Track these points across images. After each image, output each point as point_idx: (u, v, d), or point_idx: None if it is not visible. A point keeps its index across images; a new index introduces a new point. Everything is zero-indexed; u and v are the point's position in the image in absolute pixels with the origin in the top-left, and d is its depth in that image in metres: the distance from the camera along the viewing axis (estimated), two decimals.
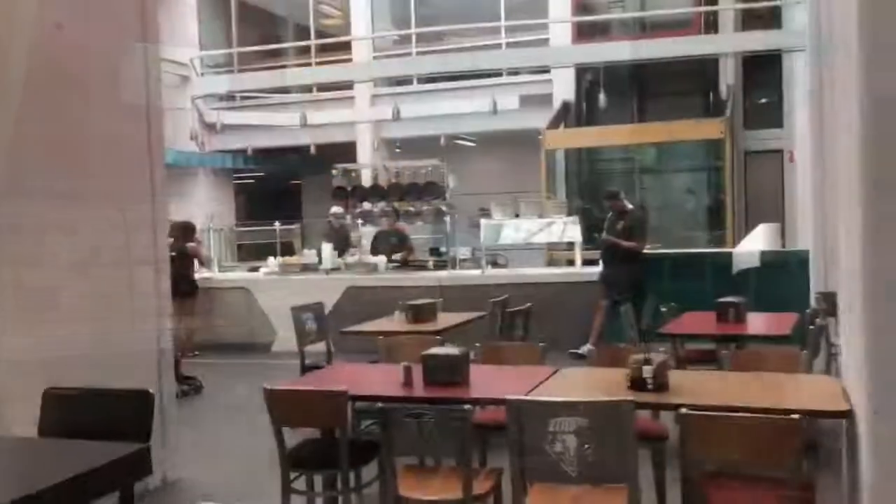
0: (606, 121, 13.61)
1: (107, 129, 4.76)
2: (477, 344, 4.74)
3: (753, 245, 9.01)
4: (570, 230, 9.77)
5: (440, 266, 11.34)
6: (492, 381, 4.07)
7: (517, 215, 10.01)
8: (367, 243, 11.50)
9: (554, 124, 13.65)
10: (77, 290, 4.45)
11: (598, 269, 9.35)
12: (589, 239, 10.40)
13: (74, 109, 4.35)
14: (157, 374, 4.91)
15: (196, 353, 10.20)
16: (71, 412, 2.30)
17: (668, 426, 4.24)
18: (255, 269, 11.51)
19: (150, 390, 2.38)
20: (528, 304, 5.89)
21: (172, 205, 16.20)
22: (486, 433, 4.15)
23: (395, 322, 6.30)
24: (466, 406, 3.25)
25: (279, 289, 10.41)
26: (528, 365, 4.39)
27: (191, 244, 10.40)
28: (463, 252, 12.81)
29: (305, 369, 6.30)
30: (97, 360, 4.13)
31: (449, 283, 9.67)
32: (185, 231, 10.52)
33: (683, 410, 2.91)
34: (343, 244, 11.38)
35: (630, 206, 9.03)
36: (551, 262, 12.89)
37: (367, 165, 12.69)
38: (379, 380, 4.37)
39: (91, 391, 2.37)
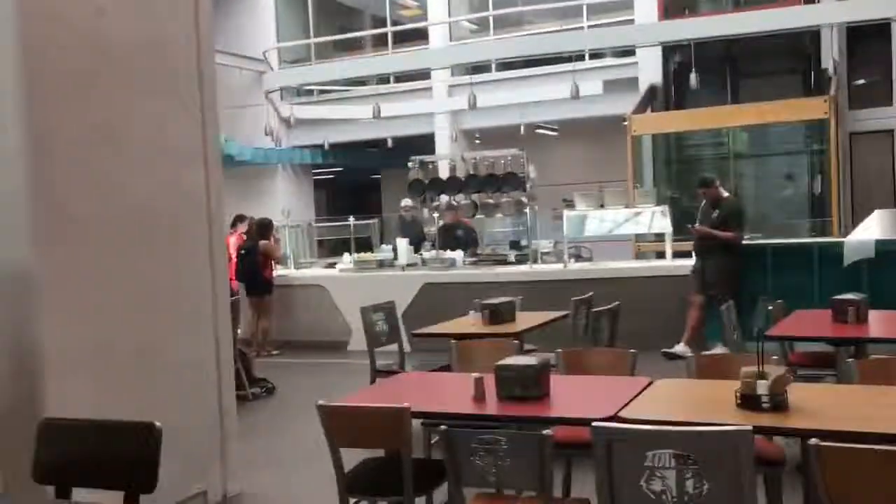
0: (697, 104, 12.82)
1: (154, 123, 4.38)
2: (558, 350, 4.23)
3: (867, 233, 8.18)
4: (659, 220, 9.12)
5: (520, 260, 10.84)
6: (575, 396, 3.57)
7: (602, 205, 9.40)
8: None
9: (640, 109, 12.93)
10: (122, 292, 4.08)
11: (691, 261, 8.68)
12: (679, 229, 9.71)
13: (119, 101, 4.01)
14: (217, 384, 4.51)
15: (273, 352, 10.00)
16: (69, 445, 1.95)
17: (784, 448, 3.66)
18: (332, 266, 11.25)
19: (157, 424, 1.99)
20: (616, 304, 5.35)
21: (252, 202, 16.31)
22: (571, 452, 3.65)
23: (470, 322, 5.85)
24: (546, 431, 2.76)
25: (354, 286, 10.10)
26: (616, 375, 3.86)
27: (263, 241, 10.19)
28: (545, 245, 12.27)
29: (377, 373, 5.90)
30: (146, 370, 3.81)
31: (529, 279, 9.16)
32: (260, 228, 10.32)
33: (815, 441, 2.35)
34: (418, 238, 11.01)
35: (726, 194, 8.33)
36: (639, 255, 12.23)
37: (445, 157, 12.24)
38: (449, 391, 3.92)
39: (92, 423, 2.00)
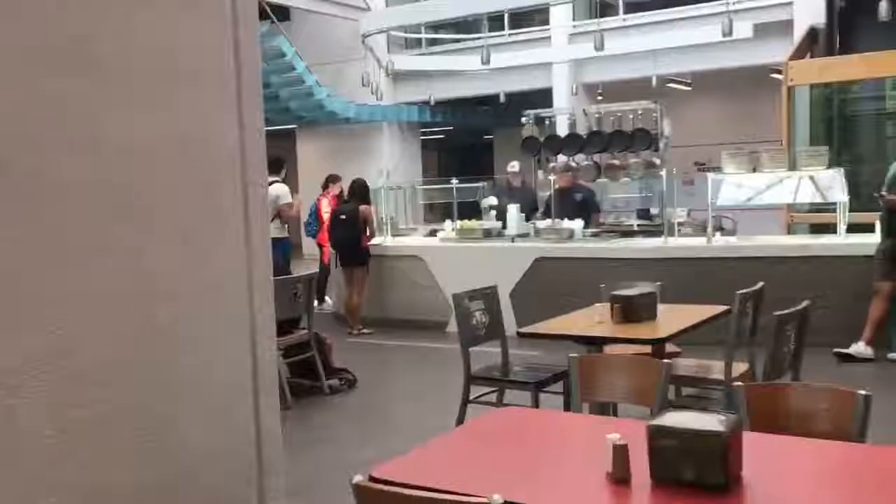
0: (870, 47, 10.71)
1: (159, 40, 2.86)
2: (737, 382, 2.77)
3: None
4: (831, 187, 7.35)
5: (651, 232, 9.26)
6: (794, 488, 2.12)
7: (754, 169, 7.68)
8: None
9: (797, 56, 10.95)
10: (105, 282, 2.63)
11: (874, 239, 6.92)
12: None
13: (105, 6, 2.66)
14: (253, 408, 3.07)
15: (365, 330, 8.87)
16: None
17: None
18: (435, 234, 9.99)
19: None
20: (805, 303, 3.81)
21: (356, 162, 15.24)
22: None
23: (595, 319, 4.42)
24: None
25: (456, 258, 8.80)
26: (839, 430, 2.38)
27: (364, 206, 9.02)
28: (679, 215, 10.61)
29: (467, 404, 4.60)
30: (145, 386, 2.60)
31: (664, 256, 7.60)
32: (362, 190, 9.15)
33: None
34: (529, 208, 9.58)
35: None
36: (792, 228, 10.38)
37: (563, 111, 10.71)
38: (569, 460, 2.52)
39: None
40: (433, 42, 15.74)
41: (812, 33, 11.40)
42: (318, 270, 9.65)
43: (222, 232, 2.92)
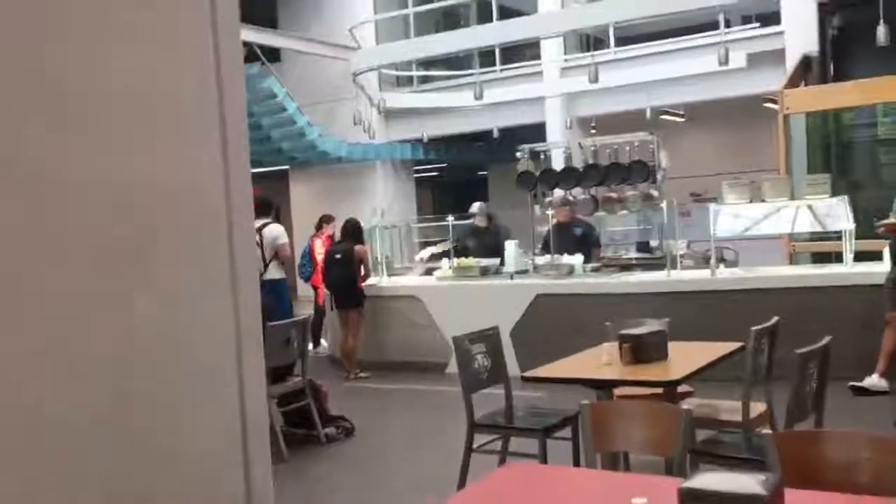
0: (865, 73, 10.65)
1: (131, 67, 2.65)
2: (764, 429, 2.56)
3: None
4: (835, 215, 7.19)
5: (652, 265, 9.08)
6: None
7: (753, 199, 7.52)
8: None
9: (791, 84, 10.88)
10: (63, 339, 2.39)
11: (881, 267, 6.75)
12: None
13: (65, 40, 2.47)
14: (243, 463, 2.78)
15: (362, 374, 8.63)
16: None
17: None
18: (432, 273, 9.79)
19: None
20: (826, 340, 3.61)
21: (349, 202, 15.08)
22: None
23: (603, 360, 4.20)
24: None
25: (454, 297, 8.60)
26: (884, 494, 2.17)
27: (359, 246, 8.83)
28: (679, 247, 10.45)
29: (470, 452, 4.37)
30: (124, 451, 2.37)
31: (668, 290, 7.41)
32: (356, 230, 8.95)
33: None
34: (494, 247, 9.39)
35: None
36: (794, 258, 10.21)
37: (558, 144, 10.59)
38: None
39: None
40: (425, 80, 15.69)
41: (805, 61, 11.36)
42: (311, 313, 9.42)
43: (207, 282, 2.68)
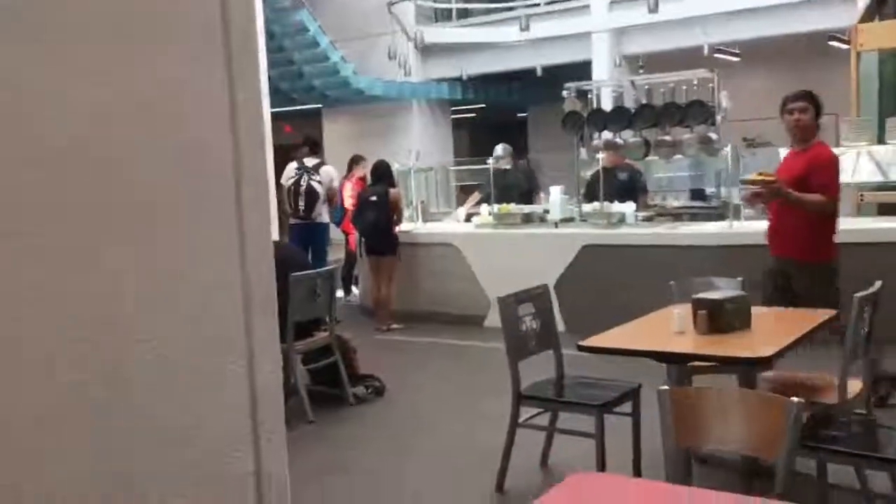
0: None
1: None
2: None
3: None
4: None
5: (707, 216, 8.41)
6: None
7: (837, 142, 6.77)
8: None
9: (866, 19, 9.94)
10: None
11: None
12: None
13: None
14: (252, 442, 2.23)
15: (394, 326, 8.14)
16: None
17: None
18: (469, 219, 9.21)
19: None
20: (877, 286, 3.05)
21: (384, 143, 14.47)
22: None
23: (674, 329, 3.61)
24: None
25: (494, 246, 8.02)
26: None
27: (393, 189, 8.27)
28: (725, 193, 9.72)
29: (521, 399, 3.81)
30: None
31: (729, 243, 6.75)
32: (386, 172, 8.39)
33: None
34: (526, 187, 8.81)
35: None
36: (862, 209, 9.44)
37: (608, 83, 9.84)
38: None
39: None
40: (464, 14, 14.88)
41: None
42: (339, 263, 8.96)
43: (209, 244, 2.08)
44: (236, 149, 2.10)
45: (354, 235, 9.81)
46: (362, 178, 10.25)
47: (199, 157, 2.00)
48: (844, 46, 13.50)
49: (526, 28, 9.29)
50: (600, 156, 8.04)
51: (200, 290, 1.99)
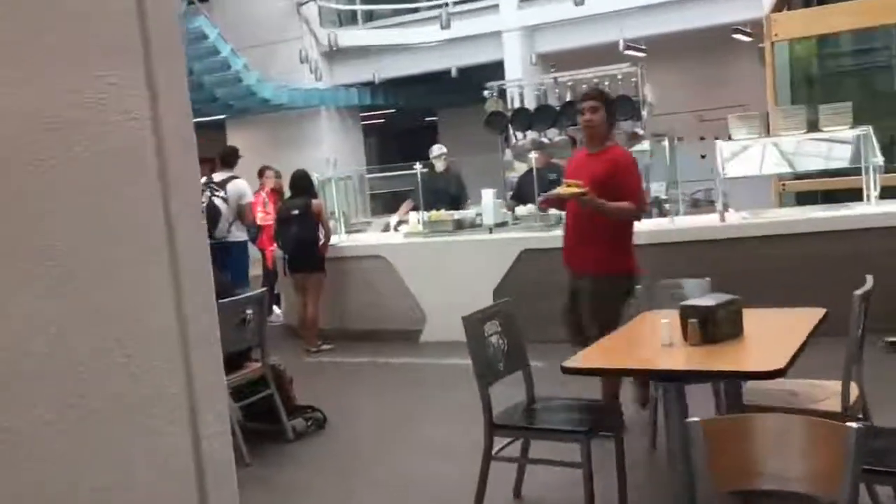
0: None
1: None
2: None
3: None
4: (857, 147, 6.38)
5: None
6: None
7: (762, 133, 6.65)
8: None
9: (776, 10, 10.00)
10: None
11: None
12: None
13: None
14: (197, 491, 1.67)
15: (324, 346, 7.62)
16: None
17: None
18: (396, 228, 8.75)
19: None
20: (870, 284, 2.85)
21: (292, 152, 13.85)
22: None
23: (652, 334, 3.27)
24: None
25: (426, 255, 7.60)
26: None
27: (316, 200, 7.73)
28: (655, 189, 9.61)
29: (494, 428, 3.41)
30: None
31: (673, 239, 6.53)
32: (303, 182, 7.84)
33: None
34: (451, 201, 8.36)
35: None
36: (784, 198, 9.48)
37: (530, 81, 9.55)
38: None
39: None
40: (370, 17, 14.42)
41: None
42: (266, 286, 8.35)
43: (130, 262, 1.61)
44: (158, 139, 1.67)
45: (272, 252, 9.24)
46: (274, 190, 9.69)
47: (122, 179, 1.57)
48: (747, 39, 13.71)
49: (447, 26, 8.92)
50: (532, 155, 7.71)
51: (133, 336, 1.57)
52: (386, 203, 13.55)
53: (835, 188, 8.82)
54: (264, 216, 8.98)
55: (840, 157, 6.55)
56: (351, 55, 13.36)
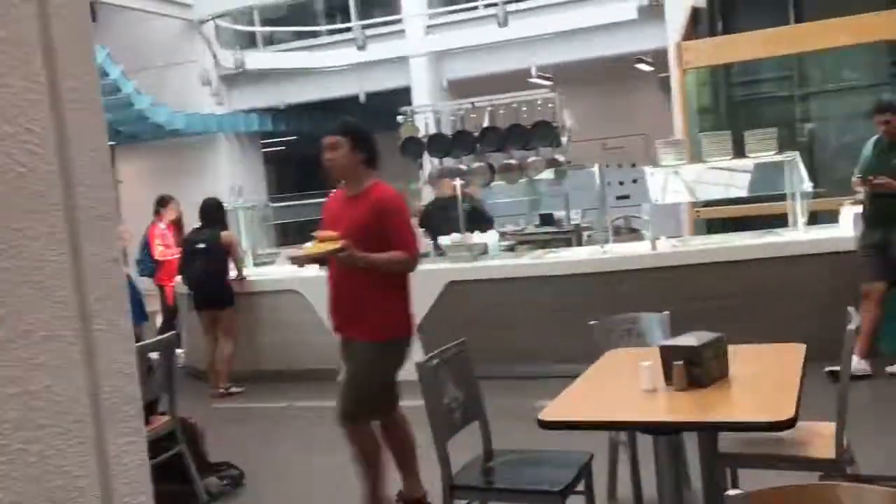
0: (752, 27, 10.02)
1: None
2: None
3: None
4: (784, 173, 6.34)
5: (564, 241, 8.06)
6: None
7: (691, 160, 6.54)
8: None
9: (687, 37, 10.07)
10: None
11: (840, 232, 5.96)
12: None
13: None
14: None
15: (234, 389, 7.02)
16: None
17: None
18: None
19: None
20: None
21: (190, 181, 13.11)
22: None
23: (627, 377, 2.94)
24: None
25: None
26: None
27: (226, 232, 7.14)
28: (573, 217, 9.46)
29: (453, 490, 2.99)
30: None
31: (608, 269, 6.30)
32: (216, 213, 7.24)
33: None
34: None
35: None
36: (697, 224, 9.46)
37: (448, 108, 9.21)
38: None
39: None
40: (270, 41, 13.88)
41: (695, 14, 10.61)
42: (173, 329, 7.68)
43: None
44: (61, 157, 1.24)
45: (172, 287, 8.57)
46: (174, 222, 9.03)
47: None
48: (649, 69, 13.91)
49: (363, 47, 8.52)
50: (427, 186, 7.36)
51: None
52: (291, 234, 12.95)
53: (750, 215, 8.87)
54: (164, 250, 8.32)
55: (766, 182, 6.49)
56: (252, 79, 12.78)
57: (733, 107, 10.75)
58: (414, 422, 3.85)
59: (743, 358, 3.12)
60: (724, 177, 6.47)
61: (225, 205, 7.50)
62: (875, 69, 10.19)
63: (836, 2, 10.07)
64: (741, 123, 10.20)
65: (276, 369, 7.16)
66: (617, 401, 2.90)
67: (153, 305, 9.30)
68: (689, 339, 2.94)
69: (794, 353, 3.12)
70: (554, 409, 2.80)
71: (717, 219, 9.56)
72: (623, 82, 15.02)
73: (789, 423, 2.40)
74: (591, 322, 3.93)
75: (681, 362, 2.84)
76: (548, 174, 8.18)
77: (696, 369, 2.85)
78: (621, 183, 12.29)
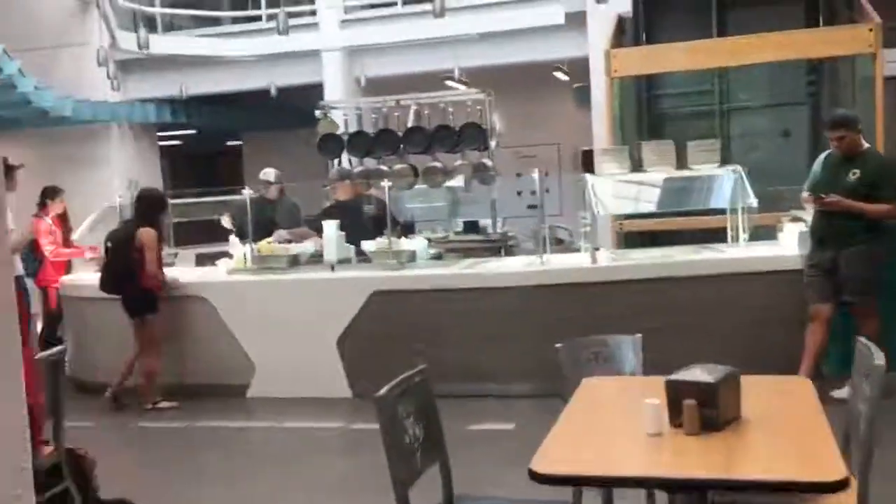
0: (676, 39, 9.92)
1: None
2: None
3: None
4: (734, 186, 6.12)
5: (492, 249, 7.66)
6: None
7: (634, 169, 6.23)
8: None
9: (613, 45, 9.86)
10: None
11: (787, 250, 5.77)
12: None
13: None
14: None
15: (163, 404, 6.26)
16: None
17: None
18: (213, 262, 7.47)
19: None
20: None
21: (78, 173, 12.07)
22: None
23: (648, 426, 2.49)
24: None
25: (256, 296, 6.48)
26: None
27: (144, 229, 6.31)
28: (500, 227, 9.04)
29: None
30: None
31: (544, 282, 5.89)
32: (155, 207, 6.47)
33: None
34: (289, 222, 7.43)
35: (867, 145, 5.40)
36: (622, 239, 9.20)
37: (366, 105, 8.63)
38: None
39: None
40: (171, 27, 12.94)
41: (620, 23, 10.43)
42: (46, 330, 6.85)
43: None
44: None
45: (56, 289, 7.71)
46: (61, 216, 8.17)
47: None
48: (565, 78, 13.74)
49: (284, 32, 7.87)
50: (387, 184, 6.82)
51: None
52: (190, 233, 12.06)
53: (672, 229, 8.70)
54: (55, 249, 7.48)
55: (706, 195, 6.25)
56: (151, 66, 11.86)
57: (654, 119, 10.64)
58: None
59: (745, 392, 2.73)
60: (671, 188, 6.18)
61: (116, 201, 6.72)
62: (794, 88, 10.27)
63: (758, 19, 10.11)
64: (665, 136, 10.08)
65: (177, 382, 6.42)
66: (619, 448, 2.46)
67: (33, 308, 8.38)
68: (699, 374, 2.53)
69: (801, 387, 2.76)
70: (547, 459, 2.33)
71: (637, 232, 9.38)
72: (538, 90, 14.80)
73: (841, 485, 2.01)
74: (557, 345, 3.49)
75: (693, 402, 2.42)
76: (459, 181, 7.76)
77: (709, 410, 2.43)
78: (533, 192, 12.00)
